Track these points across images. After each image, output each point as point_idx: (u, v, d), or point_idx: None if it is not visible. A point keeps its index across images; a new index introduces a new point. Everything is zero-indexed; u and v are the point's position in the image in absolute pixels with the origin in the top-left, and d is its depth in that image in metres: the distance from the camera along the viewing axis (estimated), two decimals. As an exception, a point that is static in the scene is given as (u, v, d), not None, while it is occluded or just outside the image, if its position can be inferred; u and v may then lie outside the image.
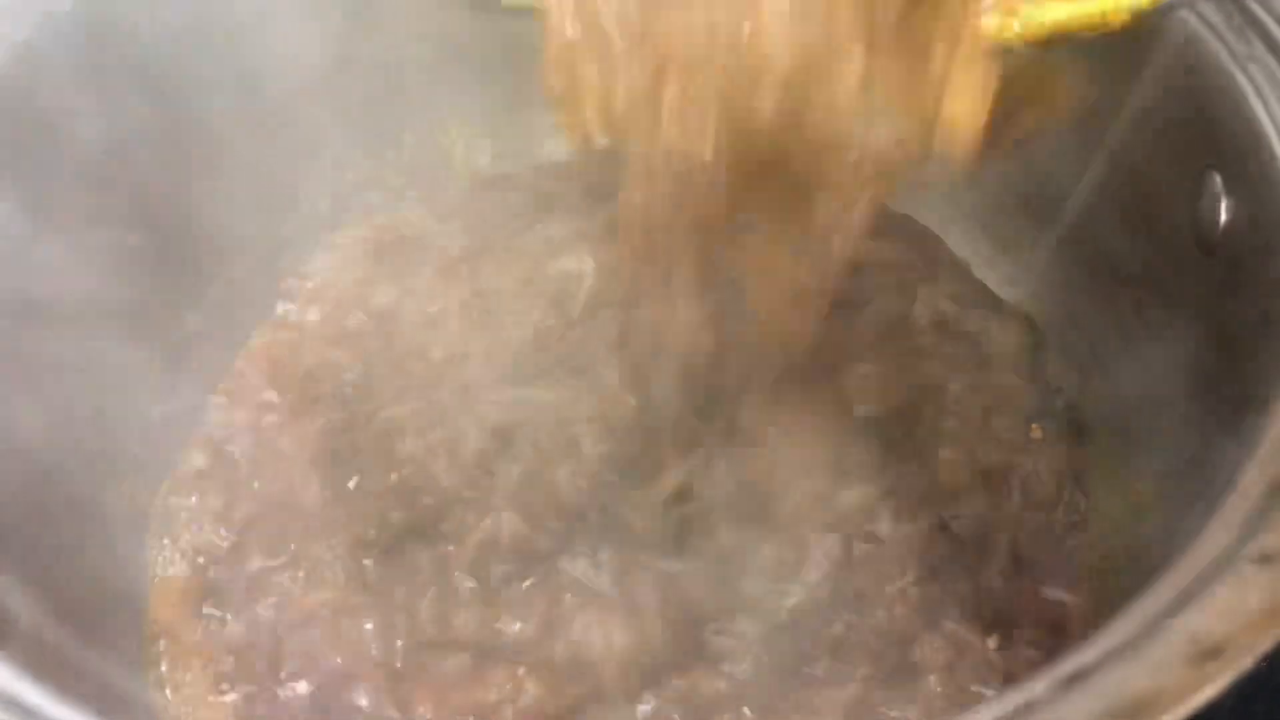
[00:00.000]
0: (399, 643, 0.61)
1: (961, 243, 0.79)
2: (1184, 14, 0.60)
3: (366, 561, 0.64)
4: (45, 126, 0.61)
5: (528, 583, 0.63)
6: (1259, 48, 0.58)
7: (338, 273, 0.78)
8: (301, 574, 0.63)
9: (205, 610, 0.63)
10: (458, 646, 0.60)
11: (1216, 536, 0.43)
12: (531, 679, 0.59)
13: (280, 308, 0.77)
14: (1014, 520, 0.65)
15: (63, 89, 0.62)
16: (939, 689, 0.59)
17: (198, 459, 0.70)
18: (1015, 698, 0.39)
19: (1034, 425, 0.70)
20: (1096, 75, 0.66)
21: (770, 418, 0.68)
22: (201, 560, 0.66)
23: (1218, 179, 0.59)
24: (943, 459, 0.67)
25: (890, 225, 0.80)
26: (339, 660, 0.60)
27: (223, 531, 0.66)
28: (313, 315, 0.75)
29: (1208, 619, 0.40)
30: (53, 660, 0.45)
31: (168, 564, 0.66)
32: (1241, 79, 0.57)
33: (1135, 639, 0.40)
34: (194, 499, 0.68)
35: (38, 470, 0.58)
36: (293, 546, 0.65)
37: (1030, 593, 0.63)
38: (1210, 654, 0.39)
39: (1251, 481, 0.45)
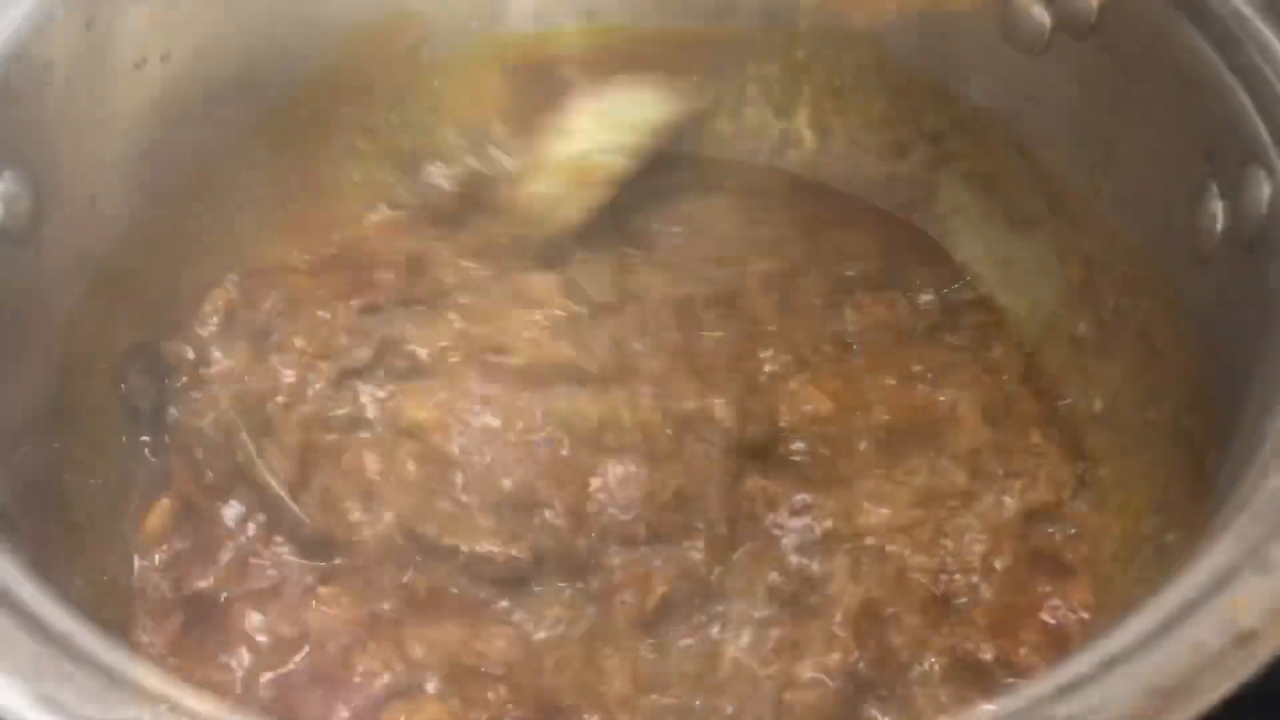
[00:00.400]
0: (385, 660, 0.60)
1: (961, 248, 0.79)
2: (1182, 26, 0.60)
3: (345, 584, 0.63)
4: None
5: (504, 602, 0.63)
6: (1257, 59, 0.58)
7: (332, 280, 0.77)
8: (289, 596, 0.63)
9: (194, 635, 0.62)
10: (440, 666, 0.60)
11: (1218, 545, 0.43)
12: (515, 699, 0.59)
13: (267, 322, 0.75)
14: (1014, 528, 0.65)
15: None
16: (939, 699, 0.59)
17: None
18: (1013, 705, 0.40)
19: (1033, 431, 0.70)
20: (1096, 87, 0.67)
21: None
22: (183, 578, 0.64)
23: (1214, 188, 0.59)
24: (941, 465, 0.67)
25: (889, 229, 0.81)
26: (326, 682, 0.60)
27: (207, 542, 0.65)
28: (295, 328, 0.74)
29: (1210, 629, 0.40)
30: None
31: (154, 584, 0.64)
32: (1240, 91, 0.57)
33: (1136, 648, 0.40)
34: (175, 511, 0.67)
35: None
36: (275, 566, 0.64)
37: (1031, 602, 0.63)
38: (1213, 664, 0.39)
39: (1252, 490, 0.45)
